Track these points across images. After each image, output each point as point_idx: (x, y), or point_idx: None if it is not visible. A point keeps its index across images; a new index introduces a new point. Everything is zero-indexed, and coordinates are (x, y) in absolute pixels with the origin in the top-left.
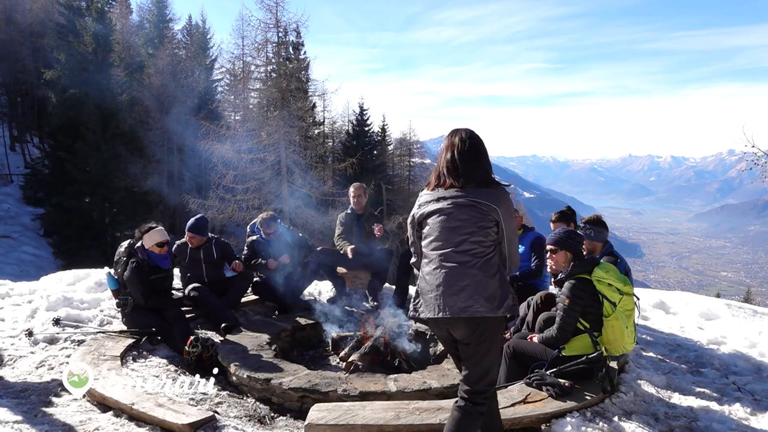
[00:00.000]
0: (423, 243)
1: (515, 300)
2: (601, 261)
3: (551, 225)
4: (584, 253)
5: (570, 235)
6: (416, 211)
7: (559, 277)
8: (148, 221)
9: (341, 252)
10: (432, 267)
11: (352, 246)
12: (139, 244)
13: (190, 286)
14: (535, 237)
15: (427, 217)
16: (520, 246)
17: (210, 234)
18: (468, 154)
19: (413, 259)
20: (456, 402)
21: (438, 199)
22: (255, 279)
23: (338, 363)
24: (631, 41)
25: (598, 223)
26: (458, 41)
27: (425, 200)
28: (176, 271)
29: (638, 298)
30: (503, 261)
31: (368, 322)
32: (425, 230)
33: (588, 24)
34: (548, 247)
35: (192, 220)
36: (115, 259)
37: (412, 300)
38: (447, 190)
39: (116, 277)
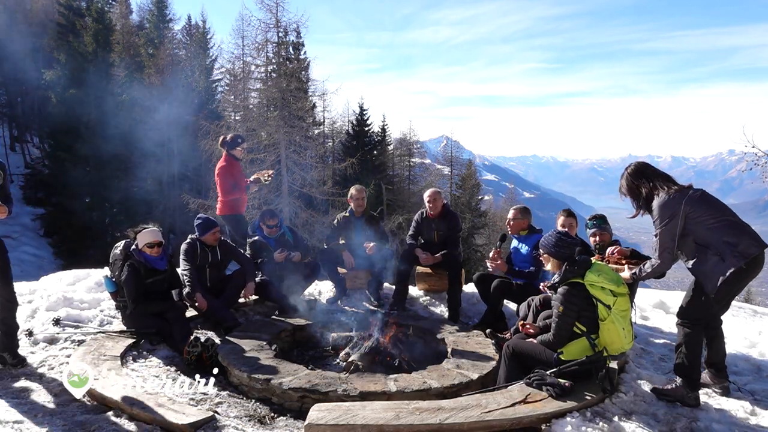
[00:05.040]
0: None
1: None
2: (594, 262)
3: (558, 223)
4: (596, 245)
5: (558, 242)
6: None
7: (552, 283)
8: (147, 221)
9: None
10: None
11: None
12: (134, 246)
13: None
14: (540, 238)
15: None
16: (525, 247)
17: None
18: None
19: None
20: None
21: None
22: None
23: (338, 362)
24: (628, 41)
25: (602, 218)
26: (455, 41)
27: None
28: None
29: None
30: None
31: (373, 322)
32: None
33: (585, 24)
34: (540, 251)
35: (204, 219)
36: (110, 261)
37: (729, 256)
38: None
39: (113, 279)
